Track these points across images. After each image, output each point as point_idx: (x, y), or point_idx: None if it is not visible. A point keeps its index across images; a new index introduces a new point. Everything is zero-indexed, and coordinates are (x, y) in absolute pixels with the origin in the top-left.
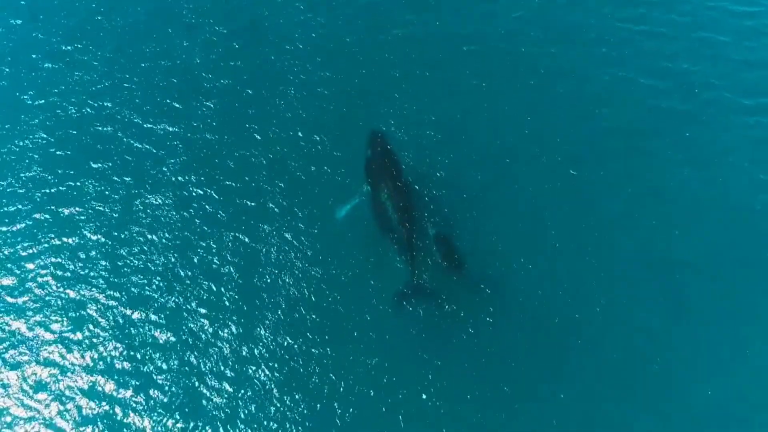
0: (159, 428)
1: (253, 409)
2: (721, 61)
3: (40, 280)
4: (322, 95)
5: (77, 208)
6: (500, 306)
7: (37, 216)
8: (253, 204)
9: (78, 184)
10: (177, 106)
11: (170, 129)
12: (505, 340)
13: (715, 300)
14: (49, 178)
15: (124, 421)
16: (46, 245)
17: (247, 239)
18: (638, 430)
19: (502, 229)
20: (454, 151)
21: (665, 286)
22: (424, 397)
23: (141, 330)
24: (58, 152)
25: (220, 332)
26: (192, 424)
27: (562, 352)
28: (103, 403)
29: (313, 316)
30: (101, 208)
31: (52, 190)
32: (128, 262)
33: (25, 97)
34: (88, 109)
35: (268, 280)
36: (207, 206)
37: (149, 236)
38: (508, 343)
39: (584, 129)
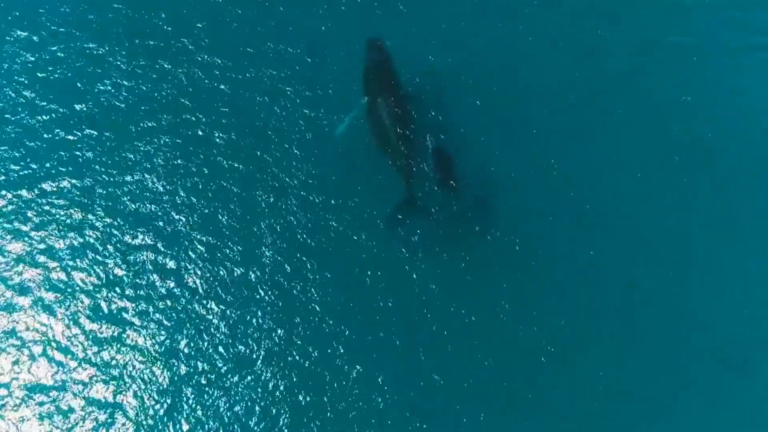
0: (159, 348)
1: (251, 330)
2: None
3: (38, 211)
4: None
5: (70, 136)
6: (493, 228)
7: (30, 154)
8: (248, 127)
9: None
10: (167, 28)
11: (158, 65)
12: (493, 261)
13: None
14: (39, 118)
15: (126, 338)
16: (41, 183)
17: (243, 161)
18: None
19: (503, 149)
20: (459, 63)
21: (674, 219)
22: (414, 314)
23: (141, 256)
24: (43, 90)
25: (219, 257)
26: (192, 344)
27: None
28: (106, 325)
29: (308, 231)
30: (94, 136)
31: (44, 127)
32: (125, 193)
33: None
34: (73, 45)
35: (266, 200)
36: (198, 131)
37: (146, 164)
38: (497, 265)
39: (592, 63)
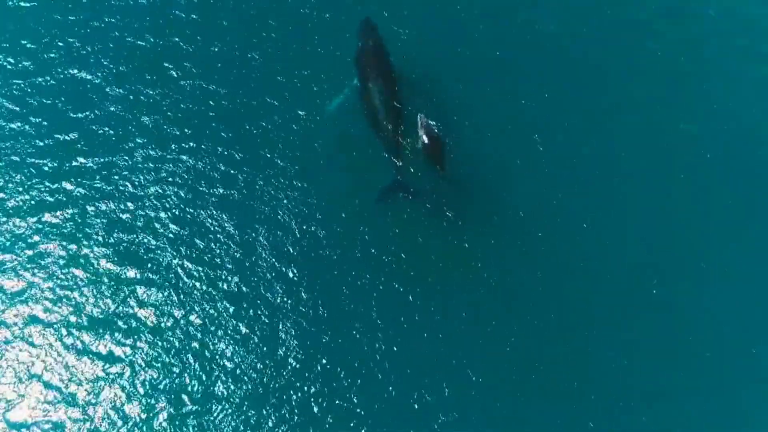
0: (157, 334)
1: (249, 312)
2: None
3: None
4: None
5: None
6: (482, 209)
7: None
8: (237, 104)
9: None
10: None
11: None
12: (481, 241)
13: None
14: (29, 131)
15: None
16: (31, 201)
17: (233, 139)
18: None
19: (493, 131)
20: (451, 46)
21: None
22: (401, 289)
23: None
24: (33, 101)
25: (208, 233)
26: (206, 321)
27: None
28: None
29: (296, 212)
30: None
31: (34, 143)
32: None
33: None
34: (63, 56)
35: (255, 179)
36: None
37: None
38: (485, 245)
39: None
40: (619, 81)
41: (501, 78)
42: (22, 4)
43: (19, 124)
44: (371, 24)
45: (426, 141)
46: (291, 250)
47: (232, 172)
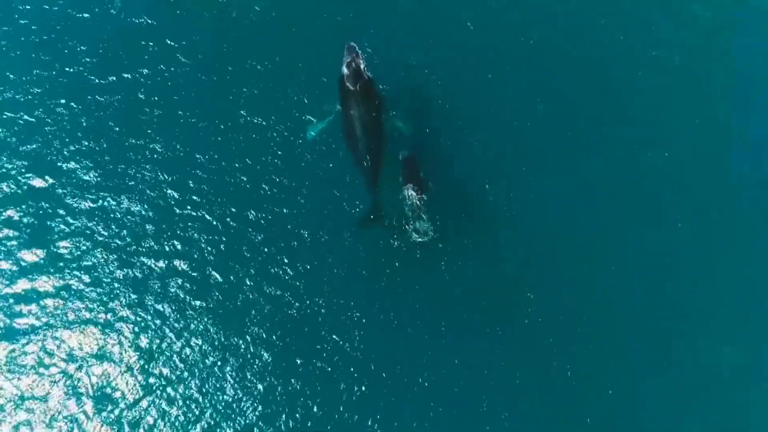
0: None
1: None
2: None
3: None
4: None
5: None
6: (457, 245)
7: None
8: (216, 124)
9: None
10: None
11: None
12: (458, 275)
13: None
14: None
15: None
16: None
17: (209, 161)
18: None
19: (476, 162)
20: (437, 71)
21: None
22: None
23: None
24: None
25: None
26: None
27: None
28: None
29: (273, 238)
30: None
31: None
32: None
33: None
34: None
35: (232, 204)
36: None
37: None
38: (461, 280)
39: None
40: (621, 82)
41: (491, 106)
42: None
43: None
44: (355, 48)
45: (407, 172)
46: (263, 276)
47: (200, 195)
